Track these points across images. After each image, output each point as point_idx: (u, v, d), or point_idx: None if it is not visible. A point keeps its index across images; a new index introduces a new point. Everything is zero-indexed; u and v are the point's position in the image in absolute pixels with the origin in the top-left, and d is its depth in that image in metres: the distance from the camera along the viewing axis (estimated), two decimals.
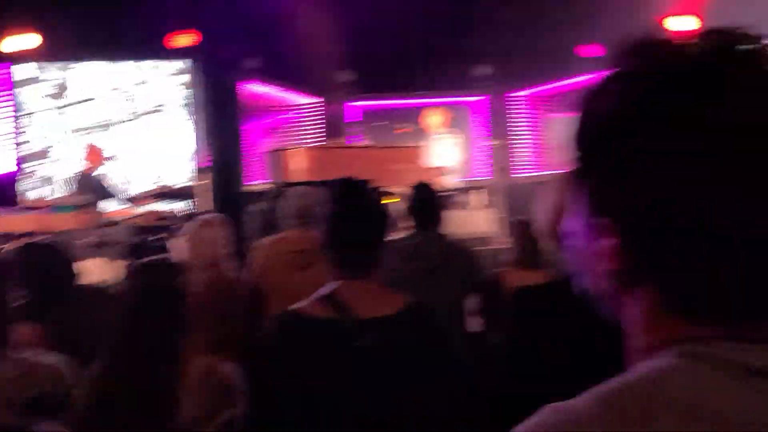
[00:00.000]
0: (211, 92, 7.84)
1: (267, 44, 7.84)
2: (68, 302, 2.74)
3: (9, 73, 7.32)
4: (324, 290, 1.73)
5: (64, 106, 7.49)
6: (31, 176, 7.43)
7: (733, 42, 0.59)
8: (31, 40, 7.12)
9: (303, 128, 8.91)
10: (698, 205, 0.56)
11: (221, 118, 7.84)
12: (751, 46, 0.58)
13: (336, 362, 1.63)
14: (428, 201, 3.30)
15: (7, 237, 5.22)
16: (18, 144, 7.37)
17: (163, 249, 5.66)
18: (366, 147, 7.18)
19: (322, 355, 1.65)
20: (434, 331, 1.74)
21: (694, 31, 0.61)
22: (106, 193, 6.31)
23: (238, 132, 7.96)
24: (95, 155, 6.31)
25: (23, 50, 7.15)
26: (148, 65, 7.75)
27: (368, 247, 1.74)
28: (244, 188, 7.83)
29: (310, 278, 3.17)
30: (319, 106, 8.97)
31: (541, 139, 8.99)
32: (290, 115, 8.88)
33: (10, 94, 7.36)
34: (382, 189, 6.29)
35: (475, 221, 6.94)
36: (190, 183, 7.20)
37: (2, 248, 5.15)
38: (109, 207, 6.34)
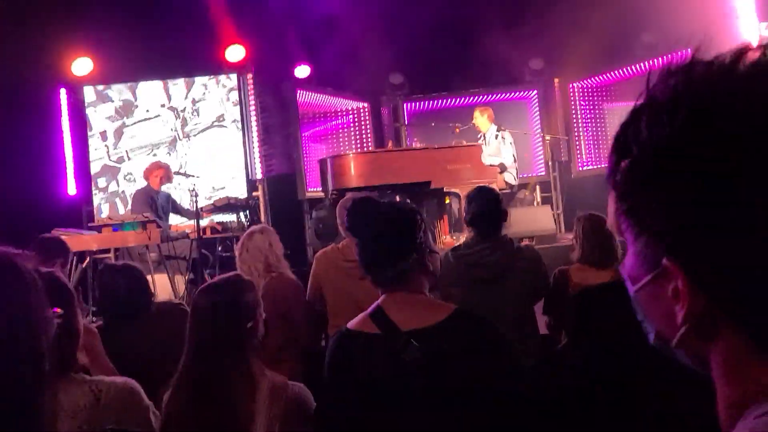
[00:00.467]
0: (265, 103, 7.94)
1: (317, 52, 7.90)
2: (142, 323, 2.80)
3: (76, 94, 7.61)
4: (371, 307, 1.74)
5: (132, 124, 7.80)
6: (103, 192, 7.73)
7: None
8: (90, 63, 7.37)
9: (356, 133, 8.93)
10: None
11: (276, 128, 7.92)
12: None
13: (385, 378, 1.64)
14: (488, 207, 3.15)
15: (79, 255, 5.40)
16: (88, 162, 7.67)
17: (225, 261, 5.76)
18: (421, 149, 7.13)
19: (373, 371, 1.66)
20: (482, 339, 1.70)
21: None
22: (168, 209, 6.45)
23: (296, 140, 8.03)
24: (159, 172, 6.46)
25: (86, 73, 7.41)
26: (206, 83, 7.95)
27: (391, 260, 1.71)
28: (307, 195, 7.91)
29: (368, 287, 3.15)
30: (371, 110, 8.98)
31: (601, 130, 8.75)
32: (343, 120, 8.92)
33: (81, 116, 7.66)
34: (446, 190, 6.25)
35: (535, 218, 6.81)
36: (250, 194, 7.30)
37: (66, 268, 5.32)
38: (172, 222, 6.48)
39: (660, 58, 7.72)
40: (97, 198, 7.69)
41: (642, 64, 7.94)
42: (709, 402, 0.57)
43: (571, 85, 8.74)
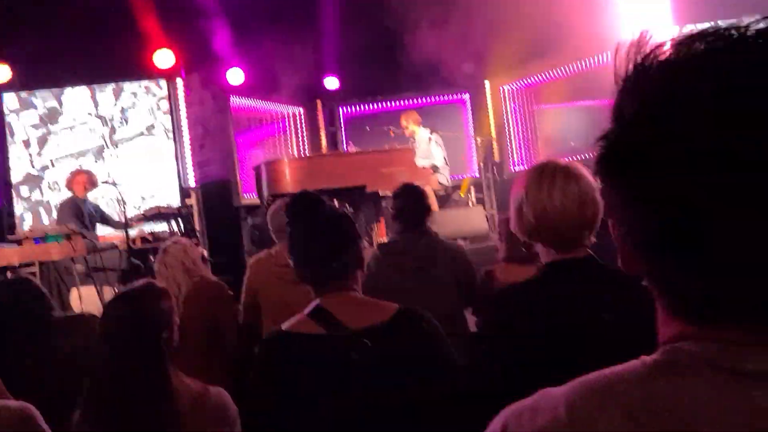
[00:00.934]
0: (197, 109, 7.81)
1: (249, 57, 7.82)
2: (41, 339, 2.67)
3: None
4: (309, 307, 1.70)
5: (57, 132, 7.55)
6: (26, 201, 7.44)
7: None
8: (8, 69, 7.11)
9: (290, 138, 8.88)
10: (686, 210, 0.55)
11: (209, 134, 7.80)
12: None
13: (332, 377, 1.60)
14: (413, 202, 3.28)
15: (3, 270, 5.18)
16: (8, 172, 7.39)
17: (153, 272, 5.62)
18: (355, 153, 7.15)
19: (317, 371, 1.61)
20: (426, 336, 1.69)
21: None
22: (96, 219, 6.27)
23: (229, 147, 7.93)
24: (84, 180, 6.27)
25: (4, 80, 7.14)
26: (135, 90, 7.76)
27: (329, 260, 1.69)
28: (243, 202, 7.81)
29: (302, 291, 3.14)
30: (306, 115, 8.95)
31: (530, 132, 8.96)
32: (279, 126, 8.85)
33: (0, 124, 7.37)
34: (381, 193, 6.29)
35: (468, 218, 6.91)
36: (178, 203, 7.16)
37: None
38: (99, 233, 6.30)
39: (586, 60, 7.98)
40: (20, 207, 7.41)
41: (569, 67, 8.17)
42: None
43: (501, 88, 8.92)
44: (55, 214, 7.17)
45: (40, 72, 7.19)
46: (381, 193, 6.70)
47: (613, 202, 0.62)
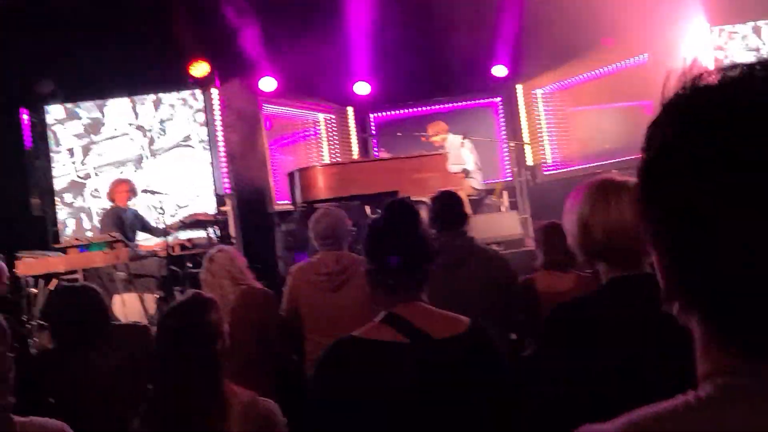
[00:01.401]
0: (231, 117, 7.93)
1: (281, 65, 7.92)
2: (100, 348, 2.72)
3: (38, 114, 7.57)
4: (383, 315, 1.70)
5: (100, 141, 7.81)
6: (69, 207, 7.68)
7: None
8: (52, 83, 7.31)
9: (322, 145, 8.96)
10: (736, 234, 0.55)
11: (243, 142, 7.91)
12: None
13: (414, 384, 1.61)
14: (449, 204, 3.36)
15: (45, 278, 5.34)
16: (52, 182, 7.62)
17: (195, 278, 5.73)
18: (387, 159, 7.19)
19: (400, 378, 1.62)
20: (495, 350, 1.73)
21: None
22: (136, 227, 6.41)
23: (262, 154, 8.03)
24: (123, 187, 6.42)
25: (50, 92, 7.36)
26: (173, 101, 7.97)
27: (417, 269, 1.71)
28: (276, 208, 7.90)
29: (342, 299, 3.21)
30: (338, 122, 9.02)
31: (564, 134, 8.91)
32: (311, 132, 8.94)
33: (44, 136, 7.63)
34: (413, 198, 6.35)
35: (501, 223, 6.90)
36: (215, 210, 7.28)
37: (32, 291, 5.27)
38: (139, 241, 6.44)
39: (619, 63, 7.92)
40: (63, 213, 7.64)
41: (602, 68, 8.12)
42: None
43: (533, 92, 8.89)
44: (96, 221, 7.36)
45: (84, 84, 7.41)
46: (413, 199, 6.74)
47: (654, 228, 0.63)
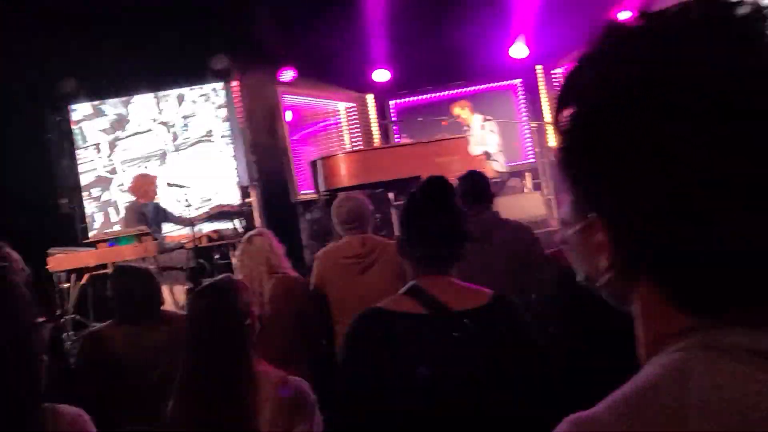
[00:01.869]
0: (252, 109, 7.97)
1: (300, 55, 7.93)
2: (153, 327, 2.86)
3: (63, 112, 7.72)
4: (406, 287, 1.74)
5: (125, 137, 7.97)
6: (96, 201, 7.84)
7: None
8: (76, 81, 7.42)
9: (343, 133, 8.97)
10: (685, 194, 0.53)
11: (264, 133, 7.96)
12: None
13: (433, 355, 1.64)
14: (476, 181, 3.46)
15: (77, 273, 5.43)
16: (79, 179, 7.79)
17: (223, 269, 5.80)
18: (408, 144, 7.18)
19: (418, 349, 1.65)
20: (518, 321, 1.75)
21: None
22: (161, 220, 6.48)
23: (284, 145, 8.07)
24: (147, 184, 6.49)
25: (77, 89, 7.47)
26: (195, 98, 8.07)
27: (452, 242, 1.75)
28: (297, 199, 7.95)
29: (369, 282, 3.23)
30: (359, 109, 9.03)
31: None
32: (331, 121, 8.96)
33: (70, 133, 7.79)
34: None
35: (524, 205, 6.87)
36: (243, 201, 7.35)
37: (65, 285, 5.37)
38: (168, 232, 6.52)
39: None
40: (91, 207, 7.80)
41: None
42: None
43: (553, 72, 8.81)
44: (122, 214, 7.50)
45: (108, 81, 7.53)
46: None
47: (606, 188, 0.58)
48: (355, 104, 8.98)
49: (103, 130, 7.91)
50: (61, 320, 5.11)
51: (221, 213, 6.29)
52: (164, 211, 6.61)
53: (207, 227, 6.34)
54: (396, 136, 8.83)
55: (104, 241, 5.49)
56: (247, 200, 7.53)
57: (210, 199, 7.72)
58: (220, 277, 2.23)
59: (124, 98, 7.91)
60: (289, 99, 8.32)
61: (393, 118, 9.00)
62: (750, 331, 0.54)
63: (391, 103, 9.09)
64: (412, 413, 1.63)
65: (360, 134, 8.98)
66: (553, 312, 3.23)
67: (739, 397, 0.51)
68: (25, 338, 1.31)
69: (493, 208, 3.52)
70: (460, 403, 1.63)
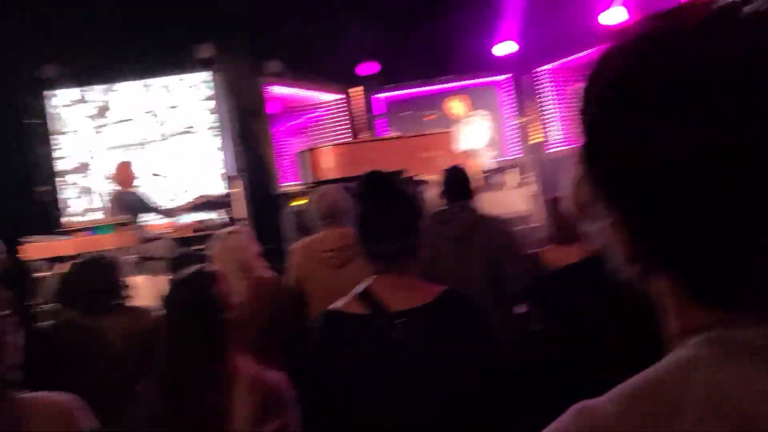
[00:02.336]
0: (237, 99, 7.91)
1: (287, 45, 7.86)
2: (114, 317, 2.79)
3: (44, 99, 7.61)
4: (360, 287, 1.75)
5: (105, 126, 7.88)
6: (72, 187, 7.76)
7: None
8: (58, 67, 7.31)
9: (330, 125, 8.92)
10: (703, 188, 0.52)
11: (249, 124, 7.90)
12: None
13: (373, 357, 1.65)
14: (458, 177, 3.47)
15: (53, 261, 5.35)
16: (58, 159, 7.72)
17: (205, 260, 5.73)
18: (394, 138, 7.15)
19: (360, 351, 1.66)
20: (469, 317, 1.72)
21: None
22: (142, 209, 6.41)
23: (268, 136, 8.01)
24: (127, 173, 6.42)
25: (59, 75, 7.37)
26: (181, 87, 8.00)
27: (396, 238, 1.72)
28: (280, 190, 7.89)
29: (348, 276, 3.18)
30: (344, 102, 8.98)
31: (570, 112, 8.83)
32: (316, 113, 8.90)
33: (49, 120, 7.70)
34: (415, 177, 6.32)
35: (511, 201, 6.87)
36: (224, 191, 7.28)
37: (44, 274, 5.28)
38: (149, 222, 6.45)
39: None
40: (70, 193, 7.75)
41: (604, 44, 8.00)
42: None
43: (537, 69, 8.82)
44: (101, 202, 7.43)
45: (92, 68, 7.46)
46: (420, 177, 6.70)
47: (623, 182, 0.58)
48: (340, 97, 8.93)
49: (86, 117, 7.83)
50: (37, 309, 5.03)
51: (204, 203, 6.23)
52: (145, 200, 6.54)
53: (189, 217, 6.27)
54: (384, 130, 8.80)
55: (83, 229, 5.41)
56: (231, 190, 7.47)
57: (194, 189, 7.66)
58: (197, 267, 2.19)
59: (108, 86, 7.82)
60: (274, 90, 8.25)
61: (379, 112, 8.95)
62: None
63: (377, 96, 9.05)
64: (354, 416, 1.64)
65: (345, 127, 8.93)
66: (532, 310, 3.23)
67: (742, 395, 0.51)
68: None
69: (477, 203, 3.51)
70: (401, 404, 1.62)
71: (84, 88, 7.78)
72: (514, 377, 1.74)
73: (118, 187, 6.39)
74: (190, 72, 7.89)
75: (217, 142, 7.94)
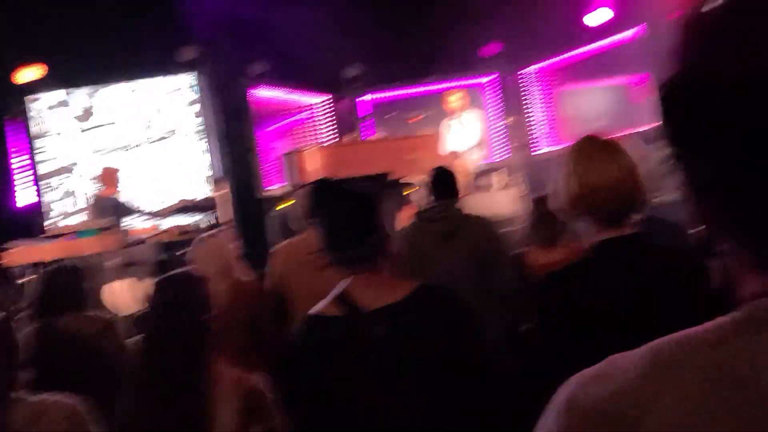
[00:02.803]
0: (222, 102, 7.87)
1: (271, 48, 7.83)
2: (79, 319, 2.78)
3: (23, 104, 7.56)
4: (337, 289, 1.77)
5: (89, 129, 7.84)
6: (56, 191, 7.71)
7: None
8: (40, 69, 7.25)
9: (316, 128, 8.90)
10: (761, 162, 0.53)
11: (234, 127, 7.86)
12: None
13: (351, 357, 1.67)
14: (444, 177, 3.51)
15: (37, 266, 5.29)
16: (41, 162, 7.65)
17: (187, 264, 5.69)
18: (380, 140, 7.14)
19: (339, 352, 1.69)
20: (447, 309, 1.73)
21: None
22: (126, 213, 6.36)
23: (253, 138, 7.98)
24: (111, 177, 6.37)
25: (36, 80, 7.31)
26: (166, 91, 7.97)
27: (359, 241, 1.74)
28: (265, 194, 7.85)
29: (329, 278, 3.17)
30: (329, 104, 8.96)
31: (557, 112, 8.86)
32: (302, 115, 8.87)
33: (26, 124, 7.65)
34: (401, 179, 6.31)
35: (498, 202, 6.87)
36: (209, 195, 7.24)
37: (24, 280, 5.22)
38: (132, 226, 6.40)
39: (612, 39, 7.85)
40: (50, 195, 7.69)
41: (594, 45, 8.06)
42: None
43: (524, 70, 8.85)
44: (82, 205, 7.36)
45: (75, 71, 7.40)
46: (404, 180, 6.69)
47: (687, 148, 0.59)
48: (325, 99, 8.91)
49: (69, 120, 7.78)
50: (19, 315, 4.97)
51: (188, 207, 6.18)
52: (126, 205, 6.49)
53: (173, 221, 6.23)
54: (369, 131, 8.78)
55: (65, 234, 5.35)
56: (215, 194, 7.43)
57: (178, 193, 7.62)
58: (180, 270, 2.19)
59: (92, 88, 7.78)
60: (258, 93, 8.22)
61: (364, 114, 8.94)
62: None
63: (363, 98, 9.03)
64: (341, 413, 1.66)
65: (331, 129, 8.91)
66: (518, 310, 3.22)
67: (741, 370, 0.52)
68: None
69: (463, 203, 3.52)
70: (381, 402, 1.63)
71: (68, 90, 7.73)
72: (502, 375, 1.74)
73: (102, 191, 6.33)
74: (175, 74, 7.85)
75: (202, 145, 7.90)
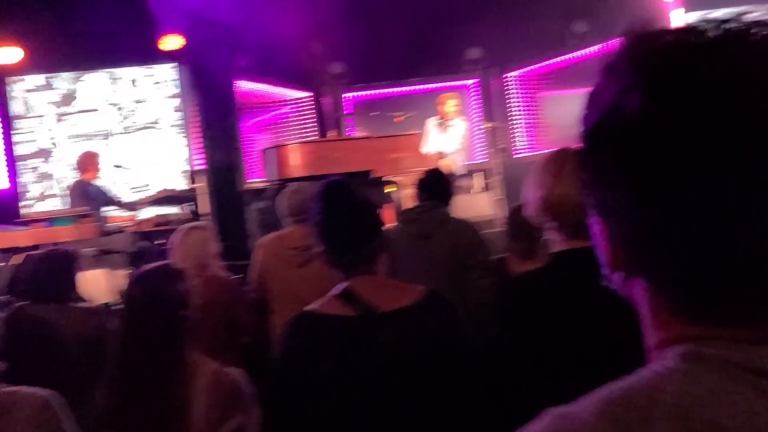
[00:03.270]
0: (203, 94, 7.82)
1: (256, 41, 7.80)
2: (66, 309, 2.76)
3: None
4: (337, 289, 1.74)
5: (69, 114, 7.77)
6: (35, 173, 7.63)
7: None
8: (20, 52, 7.15)
9: (298, 123, 8.88)
10: (680, 200, 0.53)
11: (215, 119, 7.81)
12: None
13: (360, 357, 1.64)
14: (434, 178, 3.54)
15: (11, 252, 5.22)
16: (18, 143, 7.58)
17: (165, 255, 5.65)
18: (361, 138, 7.15)
19: (346, 352, 1.65)
20: (449, 319, 1.75)
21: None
22: (104, 201, 6.30)
23: (234, 131, 7.94)
24: (91, 162, 6.31)
25: (14, 63, 7.21)
26: (147, 81, 7.93)
27: (360, 245, 1.74)
28: (245, 187, 7.82)
29: (310, 274, 3.19)
30: (312, 100, 8.94)
31: (537, 118, 8.94)
32: (284, 110, 8.84)
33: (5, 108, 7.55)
34: (383, 178, 6.32)
35: (477, 204, 6.92)
36: (188, 186, 7.19)
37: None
38: (109, 215, 6.34)
39: (593, 47, 7.94)
40: (28, 179, 7.62)
41: (575, 53, 8.14)
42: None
43: (506, 75, 8.91)
44: (60, 189, 7.28)
45: (58, 56, 7.33)
46: (385, 179, 6.71)
47: (602, 191, 0.59)
48: (308, 95, 8.89)
49: (51, 103, 7.71)
50: None
51: (167, 197, 6.14)
52: (108, 193, 6.43)
53: (151, 211, 6.18)
54: (351, 129, 8.78)
55: (40, 220, 5.28)
56: (194, 185, 7.38)
57: (156, 183, 7.57)
58: (159, 263, 2.18)
59: (75, 74, 7.72)
60: (241, 85, 8.18)
61: (347, 112, 8.94)
62: (750, 347, 0.53)
63: (345, 96, 9.03)
64: (341, 415, 1.63)
65: (312, 125, 8.89)
66: (493, 316, 3.24)
67: (710, 408, 0.51)
68: None
69: (450, 206, 3.55)
70: (391, 405, 1.62)
71: (50, 75, 7.66)
72: (491, 379, 1.76)
73: (80, 177, 6.26)
74: (158, 63, 7.80)
75: (182, 136, 7.85)
